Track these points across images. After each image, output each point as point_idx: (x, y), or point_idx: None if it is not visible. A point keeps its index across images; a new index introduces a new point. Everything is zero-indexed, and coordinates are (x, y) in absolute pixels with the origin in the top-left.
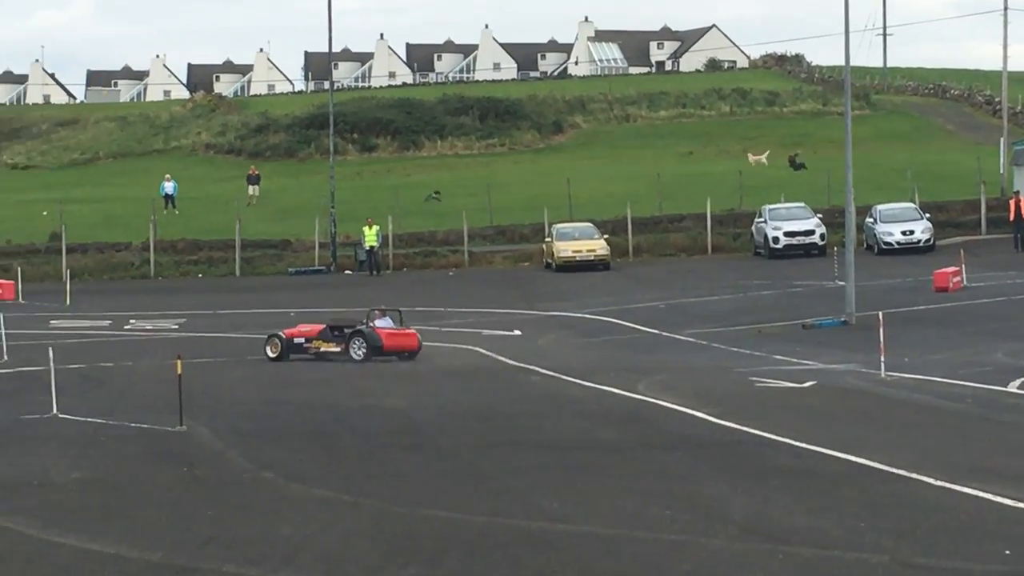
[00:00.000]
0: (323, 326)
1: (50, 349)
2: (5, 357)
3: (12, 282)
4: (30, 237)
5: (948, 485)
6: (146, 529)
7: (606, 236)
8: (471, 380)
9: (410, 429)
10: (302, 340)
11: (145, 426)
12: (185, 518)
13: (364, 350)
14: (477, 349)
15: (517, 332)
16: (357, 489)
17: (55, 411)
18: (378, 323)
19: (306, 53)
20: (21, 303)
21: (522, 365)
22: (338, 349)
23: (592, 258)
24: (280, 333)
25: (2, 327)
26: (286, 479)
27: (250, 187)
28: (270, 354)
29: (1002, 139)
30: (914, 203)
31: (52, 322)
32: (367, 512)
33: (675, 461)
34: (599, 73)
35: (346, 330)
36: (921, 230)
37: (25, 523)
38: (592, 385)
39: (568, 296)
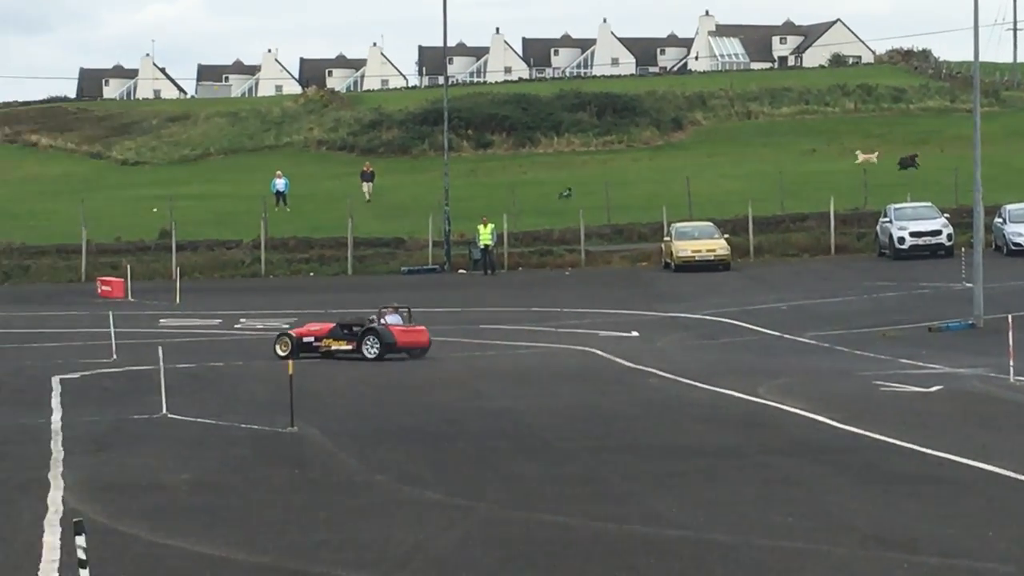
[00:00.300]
0: (332, 325)
1: (160, 348)
2: (115, 356)
3: (121, 280)
4: (140, 234)
5: None
6: (256, 532)
7: (726, 235)
8: (587, 382)
9: (525, 432)
10: (311, 339)
11: (255, 427)
12: (296, 521)
13: (377, 348)
14: (593, 351)
15: (634, 333)
16: (471, 493)
17: (165, 411)
18: (388, 320)
19: (420, 47)
20: (131, 301)
21: (639, 367)
22: (349, 347)
23: (712, 258)
24: (290, 332)
25: (112, 326)
26: (399, 482)
27: (364, 184)
28: (280, 352)
29: None
30: None
31: (162, 321)
32: (481, 516)
33: (797, 467)
34: (720, 68)
35: (355, 328)
36: None
37: (134, 525)
38: (711, 388)
39: (687, 297)
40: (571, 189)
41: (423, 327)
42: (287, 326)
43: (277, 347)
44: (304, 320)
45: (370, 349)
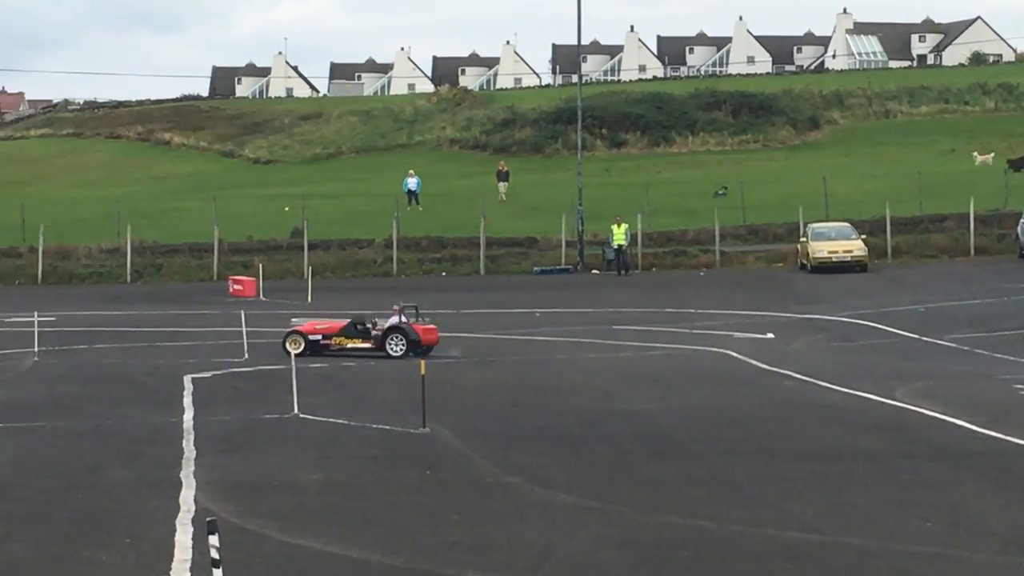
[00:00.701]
0: (344, 323)
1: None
2: (246, 355)
3: (253, 279)
4: (271, 233)
5: None
6: (388, 533)
7: (863, 236)
8: (721, 384)
9: (658, 434)
10: (318, 337)
11: (387, 427)
12: (428, 522)
13: (403, 346)
14: (728, 352)
15: (770, 335)
16: (604, 495)
17: (296, 411)
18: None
19: (554, 46)
20: (262, 300)
21: (775, 369)
22: (368, 345)
23: (849, 259)
24: (299, 329)
25: (243, 325)
26: (531, 484)
27: (500, 184)
28: (291, 349)
29: None
30: None
31: (293, 320)
32: (615, 519)
33: (935, 471)
34: (857, 67)
35: (369, 326)
36: None
37: (266, 525)
38: (848, 391)
39: (823, 298)
40: (726, 188)
41: (434, 325)
42: (296, 322)
43: (288, 345)
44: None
45: (395, 348)
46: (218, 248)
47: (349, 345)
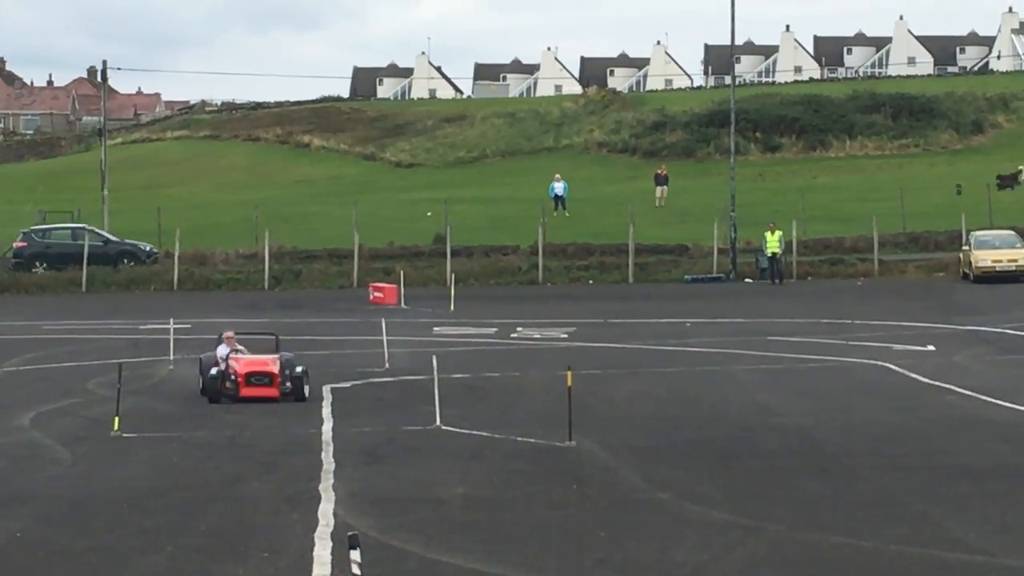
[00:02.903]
0: None
1: (434, 357)
2: (387, 365)
3: (395, 286)
4: (413, 239)
5: None
6: (533, 550)
7: None
8: (880, 398)
9: (815, 449)
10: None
11: (532, 440)
12: (574, 539)
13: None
14: (887, 365)
15: (931, 347)
16: (759, 512)
17: (438, 423)
18: (219, 353)
19: (706, 46)
20: (403, 308)
21: (936, 383)
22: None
23: (1014, 268)
24: None
25: (384, 333)
26: (682, 499)
27: (658, 188)
28: None
29: None
30: None
31: (435, 329)
32: (770, 537)
33: None
34: (1023, 68)
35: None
36: None
37: (408, 540)
38: (1014, 407)
39: (987, 309)
40: (959, 185)
41: (270, 358)
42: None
43: None
44: (581, 330)
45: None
46: (358, 254)
47: None
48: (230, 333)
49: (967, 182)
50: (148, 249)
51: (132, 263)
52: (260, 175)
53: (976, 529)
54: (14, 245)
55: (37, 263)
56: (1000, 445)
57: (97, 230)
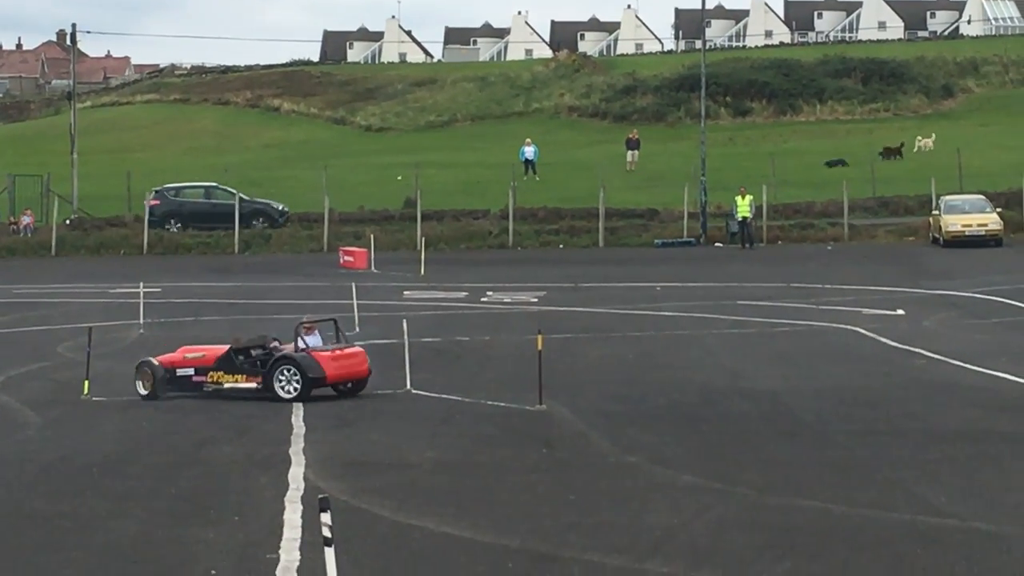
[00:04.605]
0: (223, 350)
1: (404, 321)
2: (357, 329)
3: (365, 250)
4: (384, 203)
5: None
6: (503, 513)
7: (999, 209)
8: (850, 363)
9: (784, 413)
10: (190, 371)
11: (502, 404)
12: (544, 503)
13: (297, 383)
14: (857, 329)
15: (900, 312)
16: (728, 476)
17: (408, 387)
18: (309, 342)
19: (677, 10)
20: (374, 272)
21: (906, 348)
22: (254, 385)
23: (983, 233)
24: (153, 360)
25: (354, 298)
26: (652, 464)
27: (629, 152)
28: (142, 391)
29: None
30: None
31: (406, 293)
32: (739, 501)
33: None
34: (993, 33)
35: (256, 353)
36: None
37: (379, 504)
38: (982, 371)
39: (956, 274)
40: (843, 160)
41: (359, 349)
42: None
43: (139, 383)
44: (551, 294)
45: (285, 386)
46: (328, 218)
47: (228, 384)
48: (308, 322)
49: (937, 147)
50: (281, 208)
51: (266, 223)
52: (230, 139)
53: (946, 493)
54: (147, 203)
55: (171, 221)
56: (969, 409)
57: (229, 189)
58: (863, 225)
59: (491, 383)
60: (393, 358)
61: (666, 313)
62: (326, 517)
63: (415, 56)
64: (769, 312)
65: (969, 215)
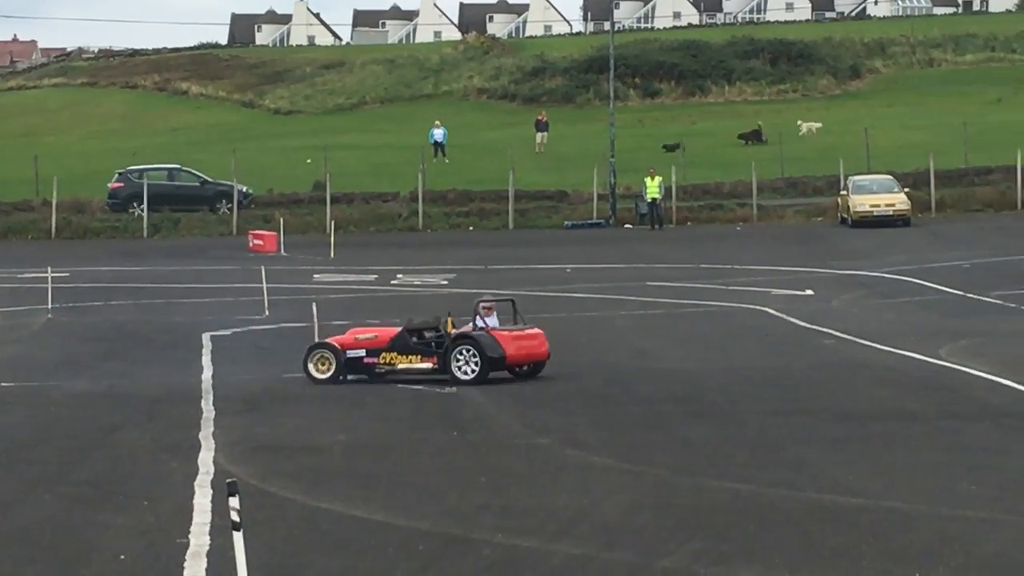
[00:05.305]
0: (396, 331)
1: (314, 304)
2: (267, 312)
3: (274, 233)
4: (293, 186)
5: None
6: (414, 496)
7: (906, 189)
8: (759, 343)
9: (695, 394)
10: (361, 352)
11: (413, 387)
12: (456, 485)
13: (476, 364)
14: (766, 309)
15: (809, 292)
16: (639, 457)
17: None
18: (488, 322)
19: None
20: (283, 255)
21: (814, 327)
22: (430, 365)
23: (891, 213)
24: (331, 342)
25: (264, 281)
26: (563, 445)
27: (538, 134)
28: (317, 375)
29: None
30: None
31: (315, 276)
32: (650, 481)
33: (981, 433)
34: (900, 14)
35: (430, 335)
36: None
37: (289, 487)
38: (891, 350)
39: (864, 254)
40: (678, 144)
41: (538, 330)
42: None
43: (312, 367)
44: (461, 276)
45: (463, 366)
46: (237, 201)
47: (402, 365)
48: (487, 301)
49: (844, 126)
50: (245, 190)
51: (230, 205)
52: (138, 123)
53: (855, 472)
54: (109, 186)
55: (135, 204)
56: (878, 388)
57: (193, 171)
58: (772, 206)
59: None
60: (304, 341)
61: (576, 295)
62: (234, 501)
63: (324, 39)
64: (678, 293)
65: (877, 195)
